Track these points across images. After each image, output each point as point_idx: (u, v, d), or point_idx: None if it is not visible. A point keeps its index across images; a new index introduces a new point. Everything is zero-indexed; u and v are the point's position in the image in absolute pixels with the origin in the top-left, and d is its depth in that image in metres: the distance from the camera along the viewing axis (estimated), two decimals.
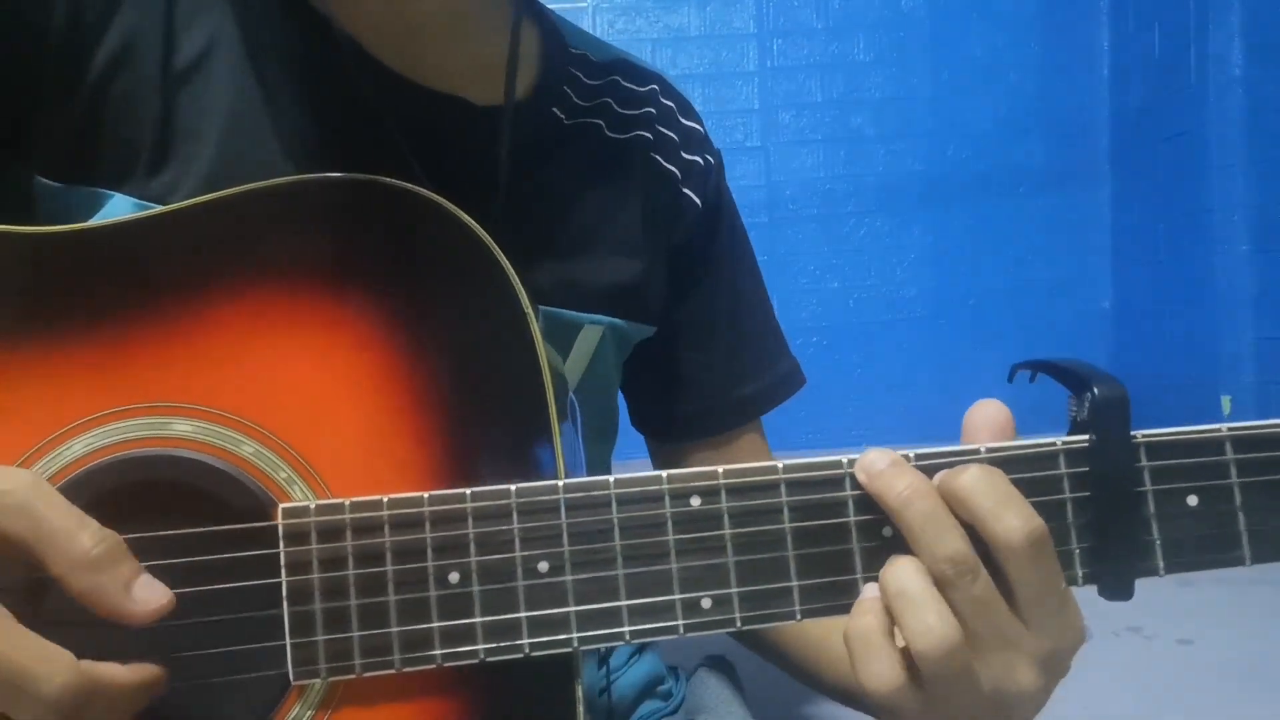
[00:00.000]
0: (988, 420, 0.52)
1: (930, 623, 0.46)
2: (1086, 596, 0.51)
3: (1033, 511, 0.47)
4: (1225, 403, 3.11)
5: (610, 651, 0.80)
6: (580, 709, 0.50)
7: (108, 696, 0.43)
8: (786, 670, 0.83)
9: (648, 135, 0.79)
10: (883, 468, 0.49)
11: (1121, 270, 3.70)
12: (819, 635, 0.77)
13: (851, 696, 0.74)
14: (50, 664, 0.41)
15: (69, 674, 0.41)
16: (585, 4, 3.68)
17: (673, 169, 0.80)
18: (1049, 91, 3.73)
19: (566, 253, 0.72)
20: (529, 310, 0.51)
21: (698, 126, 0.84)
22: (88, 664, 0.42)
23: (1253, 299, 3.09)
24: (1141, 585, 0.51)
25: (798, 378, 0.89)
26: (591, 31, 0.85)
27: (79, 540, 0.43)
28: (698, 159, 0.82)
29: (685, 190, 0.80)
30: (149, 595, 0.45)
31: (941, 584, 0.47)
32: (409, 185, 0.51)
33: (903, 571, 0.48)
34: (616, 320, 0.74)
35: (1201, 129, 3.21)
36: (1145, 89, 3.52)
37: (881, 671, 0.48)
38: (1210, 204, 3.17)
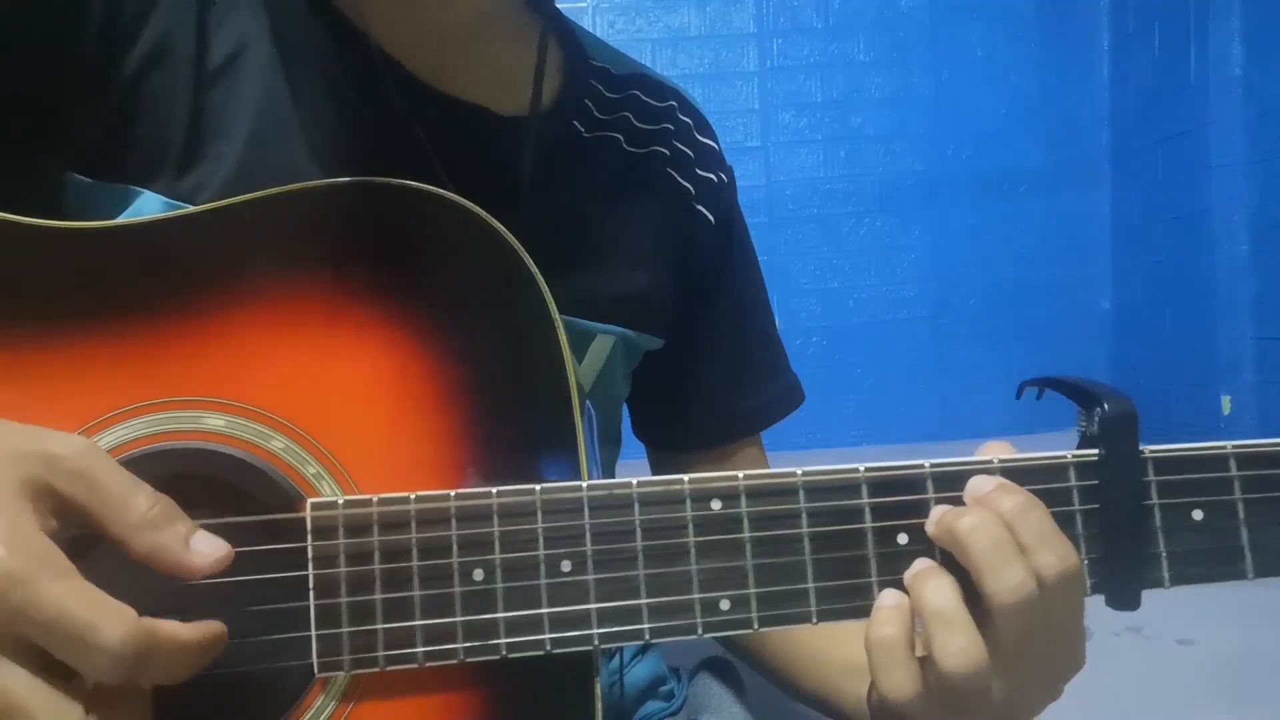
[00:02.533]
0: None
1: (963, 644, 0.48)
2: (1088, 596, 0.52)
3: (1070, 549, 0.49)
4: (1225, 403, 3.12)
5: (618, 648, 0.80)
6: (599, 706, 0.51)
7: (168, 653, 0.44)
8: (763, 672, 0.83)
9: (664, 151, 0.80)
10: (941, 513, 0.51)
11: (1121, 270, 3.71)
12: (804, 637, 0.77)
13: (828, 701, 0.75)
14: (113, 617, 0.42)
15: (131, 628, 0.42)
16: (585, 4, 3.69)
17: (687, 185, 0.80)
18: (1049, 91, 3.73)
19: (581, 263, 0.73)
20: (555, 314, 0.52)
21: (712, 144, 0.85)
22: (149, 620, 0.43)
23: (1253, 299, 3.10)
24: None
25: (798, 394, 0.90)
26: (591, 32, 0.85)
27: (136, 502, 0.44)
28: (712, 176, 0.82)
29: (698, 207, 0.81)
30: (208, 548, 0.46)
31: (1031, 596, 0.48)
32: (441, 191, 0.52)
33: (941, 590, 0.49)
34: (627, 330, 0.75)
35: (1201, 129, 3.22)
36: (1145, 89, 3.53)
37: (902, 682, 0.49)
38: (1210, 204, 3.18)
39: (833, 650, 0.73)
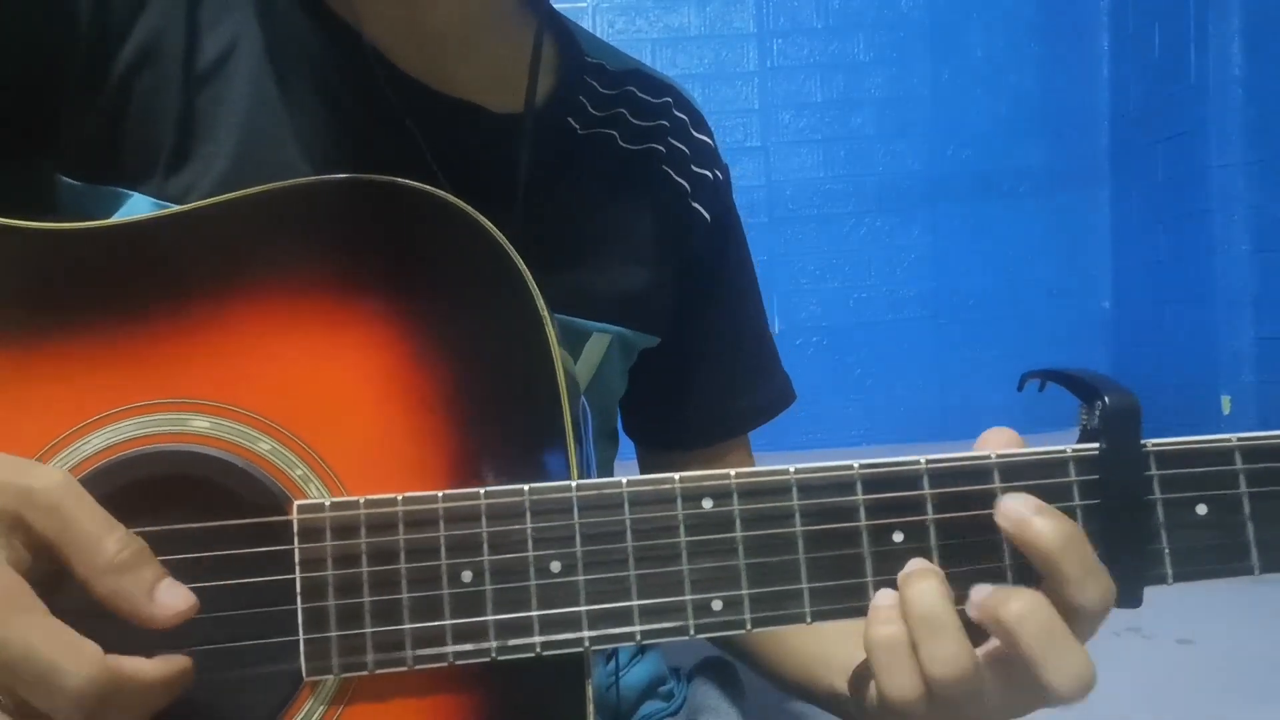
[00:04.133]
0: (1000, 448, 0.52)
1: (950, 652, 0.47)
2: None
3: (1109, 582, 0.48)
4: (1225, 403, 3.12)
5: (616, 649, 0.80)
6: (590, 708, 0.51)
7: (132, 692, 0.43)
8: (757, 670, 0.83)
9: (660, 148, 0.79)
10: (1031, 515, 0.48)
11: (1121, 270, 3.71)
12: (798, 635, 0.77)
13: (806, 693, 0.75)
14: (78, 657, 0.41)
15: (95, 668, 0.41)
16: (585, 4, 3.69)
17: (682, 182, 0.80)
18: (1049, 91, 3.74)
19: (577, 261, 0.72)
20: (545, 313, 0.51)
21: (708, 140, 0.84)
22: (114, 658, 0.42)
23: (1253, 299, 3.10)
24: None
25: (789, 394, 0.90)
26: (592, 32, 0.85)
27: (105, 544, 0.43)
28: (707, 173, 0.82)
29: (694, 204, 0.80)
30: (171, 599, 0.45)
31: (1073, 622, 0.47)
32: (427, 187, 0.52)
33: (928, 593, 0.48)
34: (624, 329, 0.75)
35: (1201, 129, 3.22)
36: (1145, 89, 3.53)
37: (905, 683, 0.48)
38: (1210, 204, 3.18)
39: (810, 644, 0.73)
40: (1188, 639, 1.99)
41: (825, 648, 0.72)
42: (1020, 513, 0.48)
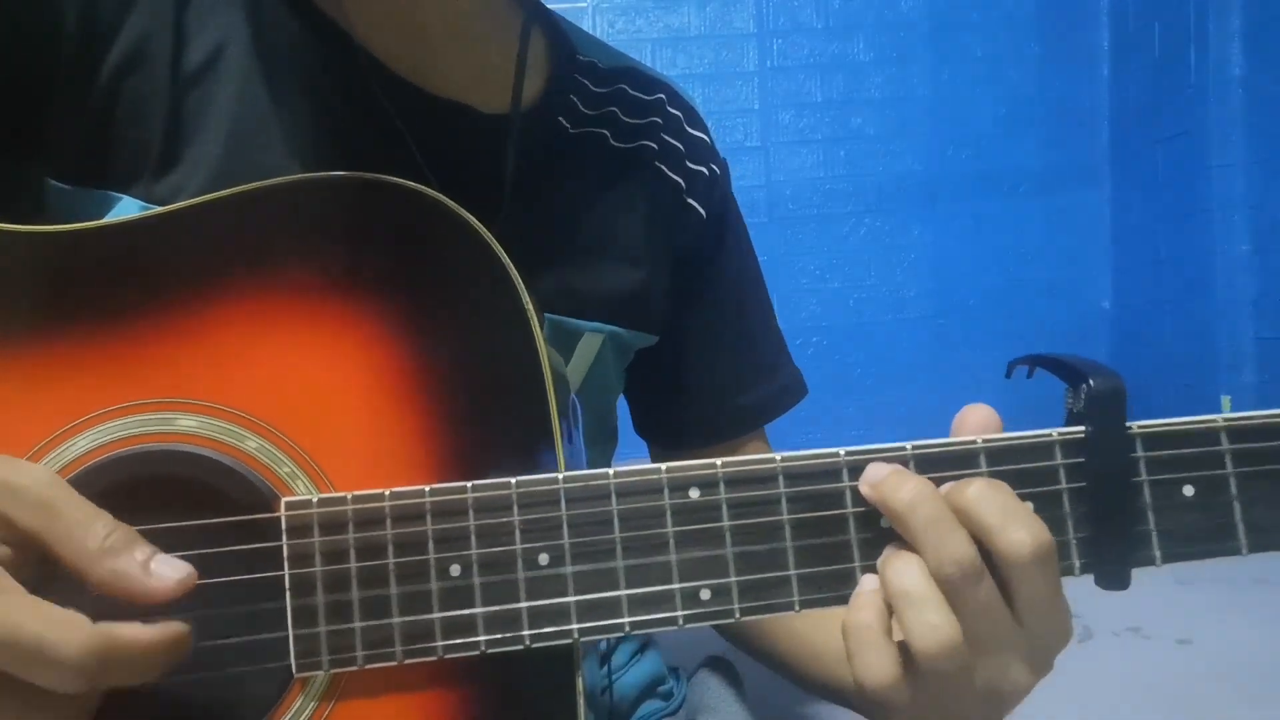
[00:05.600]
0: (979, 426, 0.52)
1: (934, 622, 0.47)
2: (1088, 595, 0.51)
3: (1041, 525, 0.48)
4: (1225, 403, 3.11)
5: (612, 651, 0.80)
6: (581, 700, 0.51)
7: (130, 657, 0.43)
8: (771, 667, 0.83)
9: (653, 145, 0.79)
10: (885, 475, 0.49)
11: (1121, 270, 3.70)
12: (804, 630, 0.77)
13: (835, 692, 0.74)
14: (67, 628, 0.41)
15: (88, 636, 0.41)
16: (585, 4, 3.68)
17: (677, 179, 0.80)
18: (1049, 91, 3.73)
19: (569, 261, 0.72)
20: (530, 308, 0.51)
21: (704, 136, 0.84)
22: (106, 625, 0.42)
23: (1253, 299, 3.10)
24: (1140, 584, 0.51)
25: (800, 387, 0.90)
26: (591, 32, 0.85)
27: (94, 530, 0.44)
28: (703, 169, 0.82)
29: (690, 200, 0.80)
30: (168, 571, 0.45)
31: (946, 586, 0.47)
32: (414, 185, 0.52)
33: (905, 570, 0.48)
34: (617, 329, 0.75)
35: (1201, 129, 3.21)
36: (1145, 89, 3.52)
37: (877, 665, 0.48)
38: (1210, 204, 3.18)
39: (830, 641, 0.73)
40: (1188, 639, 1.99)
41: (829, 638, 0.72)
42: (878, 475, 0.49)
